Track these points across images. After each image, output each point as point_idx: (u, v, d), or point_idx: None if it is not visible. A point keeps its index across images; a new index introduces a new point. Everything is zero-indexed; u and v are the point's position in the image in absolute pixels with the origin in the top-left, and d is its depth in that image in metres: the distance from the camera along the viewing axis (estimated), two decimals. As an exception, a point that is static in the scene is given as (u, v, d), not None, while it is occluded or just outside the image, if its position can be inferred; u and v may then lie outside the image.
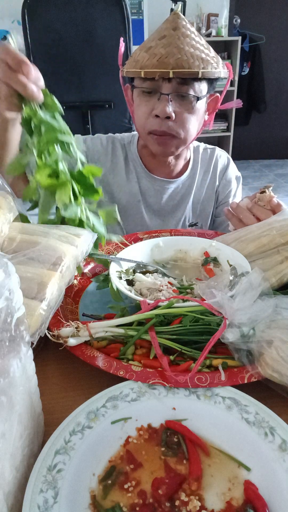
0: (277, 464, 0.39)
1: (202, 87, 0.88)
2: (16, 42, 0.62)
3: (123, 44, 0.91)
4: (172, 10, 3.12)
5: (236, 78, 3.77)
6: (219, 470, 0.40)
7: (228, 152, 4.04)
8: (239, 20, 3.92)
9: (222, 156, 1.14)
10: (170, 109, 0.85)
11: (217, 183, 1.12)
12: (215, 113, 1.01)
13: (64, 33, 2.03)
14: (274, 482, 0.38)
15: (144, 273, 0.71)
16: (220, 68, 0.87)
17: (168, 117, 0.87)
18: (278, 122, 4.57)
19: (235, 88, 3.81)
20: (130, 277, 0.69)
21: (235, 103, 1.01)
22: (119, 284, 0.64)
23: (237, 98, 3.84)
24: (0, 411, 0.32)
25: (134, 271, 0.72)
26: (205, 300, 0.56)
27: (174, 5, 3.10)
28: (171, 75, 0.81)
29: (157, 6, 3.63)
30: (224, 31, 3.80)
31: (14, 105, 0.63)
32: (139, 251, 0.78)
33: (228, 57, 3.84)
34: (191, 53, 0.82)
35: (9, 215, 0.61)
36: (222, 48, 3.88)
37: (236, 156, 4.49)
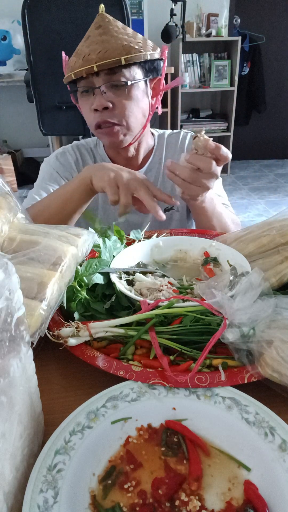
0: (277, 464, 0.39)
1: (133, 73, 0.90)
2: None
3: (66, 56, 0.95)
4: (172, 10, 3.12)
5: (236, 78, 3.78)
6: (219, 470, 0.40)
7: (228, 152, 4.07)
8: (239, 20, 3.92)
9: (188, 134, 1.15)
10: (104, 100, 0.88)
11: None
12: (161, 96, 1.01)
13: (64, 33, 2.03)
14: (274, 482, 0.38)
15: (144, 273, 0.71)
16: (148, 51, 0.89)
17: (106, 108, 0.89)
18: (278, 122, 4.57)
19: (235, 88, 3.82)
20: (130, 277, 0.69)
21: (179, 81, 1.03)
22: (119, 284, 0.64)
23: (237, 98, 3.86)
24: (0, 411, 0.32)
25: (134, 272, 0.72)
26: (205, 300, 0.56)
27: (174, 5, 3.10)
28: (95, 69, 0.84)
29: (157, 6, 3.63)
30: (224, 31, 3.80)
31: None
32: (139, 251, 0.78)
33: (228, 57, 3.84)
34: (111, 45, 0.85)
35: (9, 215, 0.61)
36: (222, 48, 3.88)
37: (236, 156, 4.51)
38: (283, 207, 1.21)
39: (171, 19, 3.16)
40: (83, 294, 0.61)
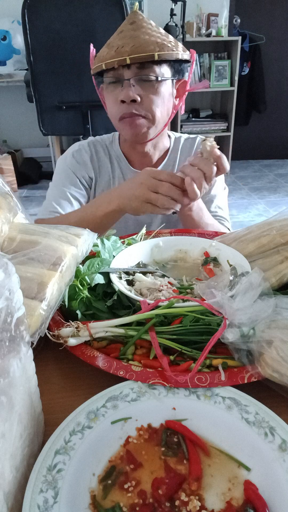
0: (277, 464, 0.39)
1: (163, 71, 0.92)
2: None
3: (94, 49, 0.96)
4: (172, 10, 3.12)
5: (236, 78, 3.77)
6: (219, 470, 0.40)
7: (228, 152, 4.07)
8: (239, 20, 3.92)
9: None
10: (133, 92, 0.90)
11: None
12: (184, 97, 1.03)
13: (64, 33, 2.03)
14: (274, 482, 0.38)
15: (144, 273, 0.71)
16: (180, 51, 0.90)
17: (134, 101, 0.90)
18: (278, 122, 4.57)
19: (235, 88, 3.82)
20: (130, 277, 0.69)
21: (202, 85, 1.05)
22: (119, 284, 0.64)
23: (237, 98, 3.86)
24: (0, 411, 0.32)
25: (134, 272, 0.72)
26: (205, 300, 0.56)
27: (174, 5, 3.10)
28: (128, 61, 0.85)
29: (157, 6, 3.63)
30: (224, 31, 3.80)
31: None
32: (139, 251, 0.78)
33: (228, 57, 3.84)
34: (145, 40, 0.87)
35: (9, 215, 0.61)
36: (222, 48, 3.88)
37: (236, 156, 4.50)
38: (283, 207, 1.21)
39: (171, 19, 3.16)
40: (85, 293, 0.61)
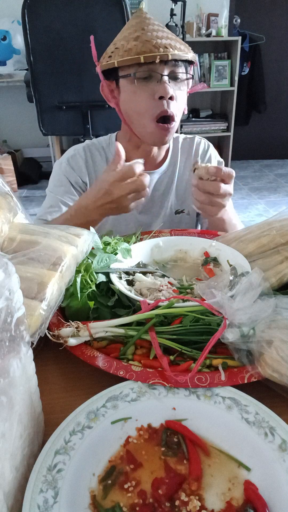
0: (277, 464, 0.39)
1: (186, 69, 0.93)
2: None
3: (93, 42, 0.94)
4: (172, 10, 3.12)
5: (236, 78, 3.77)
6: (219, 470, 0.40)
7: (228, 152, 4.06)
8: (239, 20, 3.92)
9: (202, 141, 1.17)
10: (172, 89, 0.88)
11: None
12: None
13: (64, 33, 2.03)
14: (274, 482, 0.38)
15: (144, 273, 0.71)
16: (192, 51, 0.92)
17: (171, 98, 0.89)
18: (278, 122, 4.56)
19: (235, 88, 3.81)
20: (130, 277, 0.69)
21: (201, 86, 1.05)
22: (119, 284, 0.64)
23: (237, 98, 3.86)
24: (0, 411, 0.32)
25: (134, 272, 0.72)
26: (205, 300, 0.56)
27: (174, 5, 3.10)
28: (170, 57, 0.84)
29: (157, 6, 3.62)
30: (224, 31, 3.80)
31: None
32: (139, 251, 0.78)
33: (228, 57, 3.84)
34: (175, 39, 0.87)
35: (9, 215, 0.61)
36: (222, 48, 3.87)
37: (236, 156, 4.50)
38: (283, 207, 1.21)
39: (171, 19, 3.16)
40: (93, 286, 0.62)
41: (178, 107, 0.91)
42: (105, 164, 1.10)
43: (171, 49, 0.84)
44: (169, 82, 0.88)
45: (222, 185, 0.76)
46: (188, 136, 1.18)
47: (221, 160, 1.19)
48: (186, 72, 0.92)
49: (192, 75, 0.93)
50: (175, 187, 1.13)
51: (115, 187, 0.78)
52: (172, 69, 0.88)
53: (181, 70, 0.90)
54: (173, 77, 0.89)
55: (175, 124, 0.94)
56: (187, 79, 0.92)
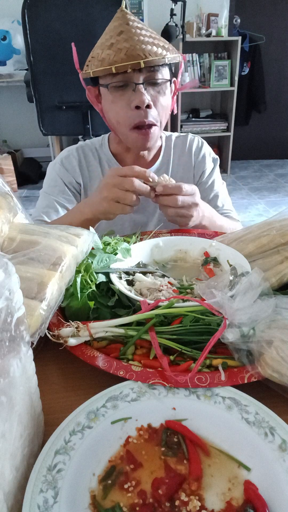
0: (277, 464, 0.39)
1: (165, 72, 0.92)
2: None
3: (75, 48, 0.94)
4: (172, 10, 3.12)
5: (236, 78, 3.77)
6: (219, 470, 0.40)
7: (228, 152, 4.07)
8: (239, 20, 3.92)
9: (195, 139, 1.17)
10: (147, 97, 0.88)
11: (192, 163, 1.14)
12: (175, 97, 1.03)
13: (64, 33, 2.03)
14: (274, 482, 0.38)
15: (144, 273, 0.71)
16: (175, 52, 0.90)
17: (148, 106, 0.88)
18: (278, 122, 4.56)
19: (235, 88, 3.81)
20: (130, 277, 0.69)
21: (191, 84, 1.05)
22: (119, 284, 0.64)
23: (237, 98, 3.86)
24: (0, 411, 0.32)
25: (134, 272, 0.72)
26: (205, 300, 0.56)
27: (174, 5, 3.10)
28: (142, 65, 0.83)
29: (157, 6, 3.63)
30: (224, 31, 3.80)
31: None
32: (139, 251, 0.78)
33: (228, 57, 3.84)
34: (152, 42, 0.85)
35: (9, 215, 0.61)
36: (222, 48, 3.88)
37: (236, 156, 4.50)
38: (283, 207, 1.22)
39: (171, 19, 3.16)
40: (93, 287, 0.62)
41: (159, 112, 0.91)
42: (98, 165, 1.10)
43: (144, 56, 0.83)
44: (146, 89, 0.88)
45: (180, 198, 0.78)
46: (181, 134, 1.18)
47: (216, 157, 1.19)
48: (171, 75, 0.92)
49: (170, 79, 0.91)
50: None
51: (106, 188, 0.79)
52: (148, 74, 0.87)
53: (159, 75, 0.88)
54: (151, 82, 0.89)
55: (156, 128, 0.94)
56: (168, 81, 0.91)
